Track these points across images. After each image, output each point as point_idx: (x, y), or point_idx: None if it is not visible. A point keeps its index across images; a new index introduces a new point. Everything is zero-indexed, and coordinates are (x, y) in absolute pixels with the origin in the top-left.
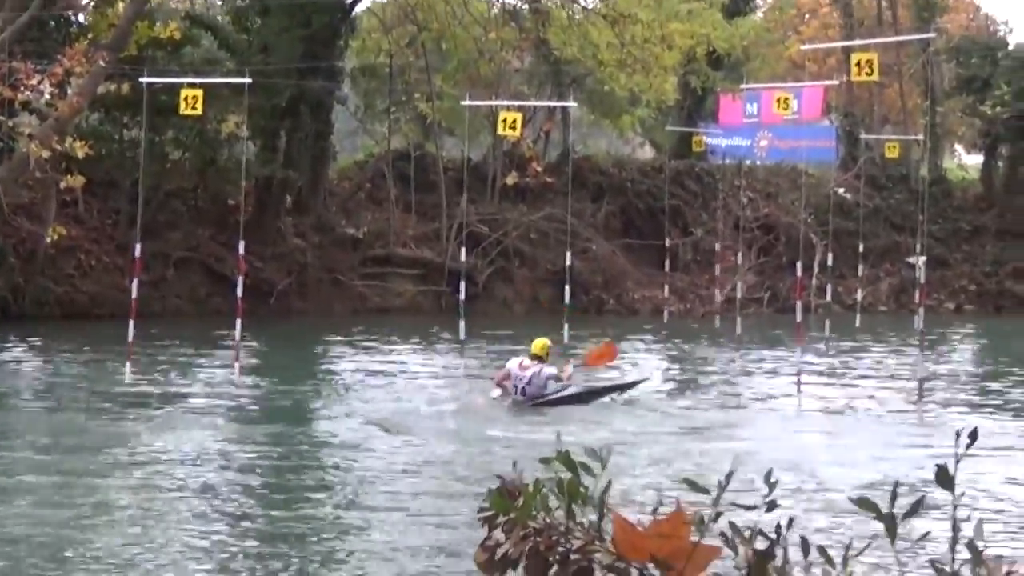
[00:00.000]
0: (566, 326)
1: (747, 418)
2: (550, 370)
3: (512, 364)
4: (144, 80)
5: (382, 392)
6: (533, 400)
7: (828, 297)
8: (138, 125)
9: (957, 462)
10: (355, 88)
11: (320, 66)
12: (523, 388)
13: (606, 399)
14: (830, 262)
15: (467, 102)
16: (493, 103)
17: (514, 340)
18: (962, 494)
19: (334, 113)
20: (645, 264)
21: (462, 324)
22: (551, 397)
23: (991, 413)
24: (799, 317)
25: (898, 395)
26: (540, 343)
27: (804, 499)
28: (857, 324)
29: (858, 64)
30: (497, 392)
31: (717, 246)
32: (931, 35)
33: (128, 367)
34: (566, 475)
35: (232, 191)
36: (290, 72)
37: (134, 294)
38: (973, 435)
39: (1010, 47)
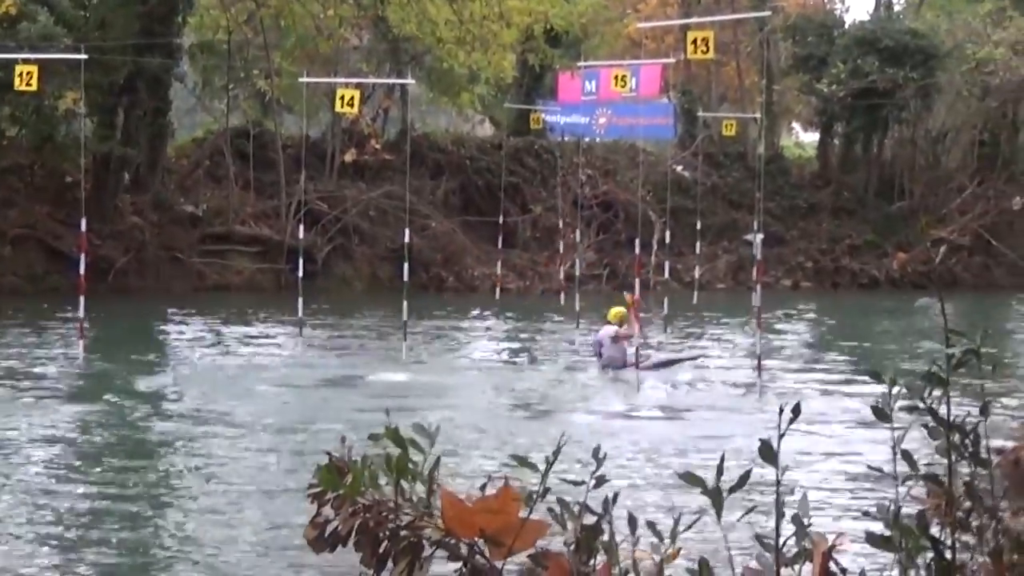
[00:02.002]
0: (405, 303)
1: (583, 395)
2: (610, 330)
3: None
4: None
5: (220, 369)
6: (621, 363)
7: (666, 274)
8: None
9: (780, 437)
10: (193, 65)
11: (158, 43)
12: (598, 351)
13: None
14: (668, 239)
15: (305, 79)
16: (331, 80)
17: (353, 317)
18: (786, 468)
19: (172, 90)
20: (484, 241)
21: (300, 301)
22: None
23: (826, 389)
24: (637, 294)
25: (734, 371)
26: (614, 311)
27: (636, 474)
28: (695, 301)
29: (694, 42)
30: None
31: (559, 223)
32: (767, 13)
33: None
34: (395, 451)
35: (70, 168)
36: (127, 49)
37: None
38: (796, 410)
39: (846, 26)
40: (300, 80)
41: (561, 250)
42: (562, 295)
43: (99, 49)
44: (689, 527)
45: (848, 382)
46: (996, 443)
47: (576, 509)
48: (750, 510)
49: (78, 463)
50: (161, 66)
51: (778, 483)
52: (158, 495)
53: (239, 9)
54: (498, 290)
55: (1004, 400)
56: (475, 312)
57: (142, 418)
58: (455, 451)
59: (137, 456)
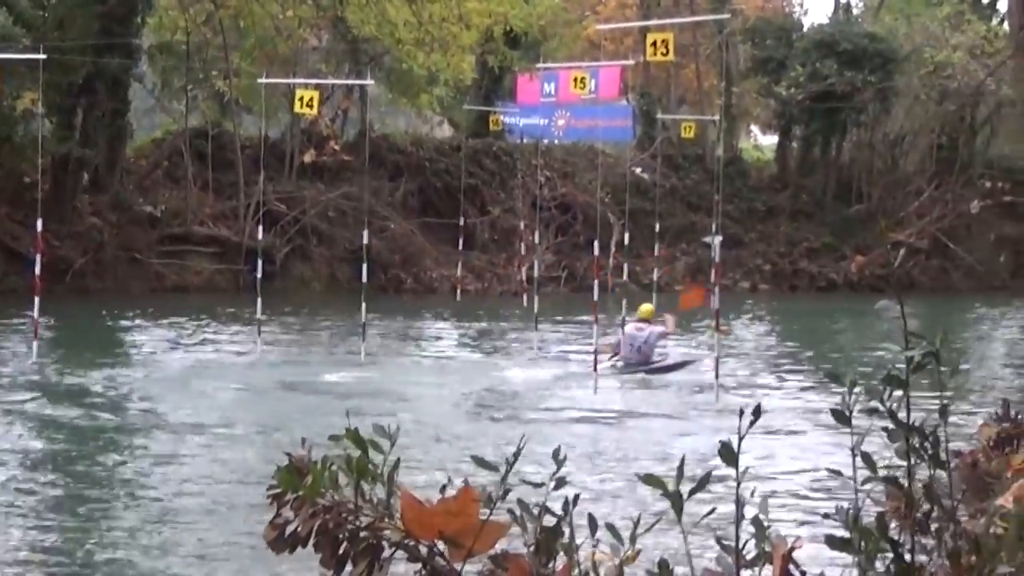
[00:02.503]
0: (364, 305)
1: (543, 396)
2: (659, 328)
3: (628, 328)
4: None
5: (178, 370)
6: (646, 361)
7: (625, 276)
8: None
9: (741, 439)
10: (152, 66)
11: (117, 43)
12: (639, 347)
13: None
14: (627, 241)
15: (264, 80)
16: (290, 81)
17: (312, 318)
18: (746, 470)
19: (131, 91)
20: (443, 243)
21: (259, 302)
22: (656, 366)
23: (785, 391)
24: (596, 296)
25: (694, 374)
26: (646, 308)
27: (597, 476)
28: (653, 303)
29: (653, 44)
30: (607, 363)
31: (518, 225)
32: (726, 16)
33: None
34: (355, 452)
35: (28, 168)
36: (86, 49)
37: None
38: (756, 412)
39: (805, 29)
40: (259, 81)
41: (520, 252)
42: (524, 297)
43: (58, 49)
44: (649, 529)
45: (807, 385)
46: (955, 445)
47: (536, 511)
48: (710, 512)
49: (27, 465)
50: (120, 66)
51: (738, 485)
52: (111, 496)
53: (198, 10)
54: (457, 291)
55: (962, 403)
56: (434, 313)
57: (96, 420)
58: (415, 452)
59: (90, 458)
